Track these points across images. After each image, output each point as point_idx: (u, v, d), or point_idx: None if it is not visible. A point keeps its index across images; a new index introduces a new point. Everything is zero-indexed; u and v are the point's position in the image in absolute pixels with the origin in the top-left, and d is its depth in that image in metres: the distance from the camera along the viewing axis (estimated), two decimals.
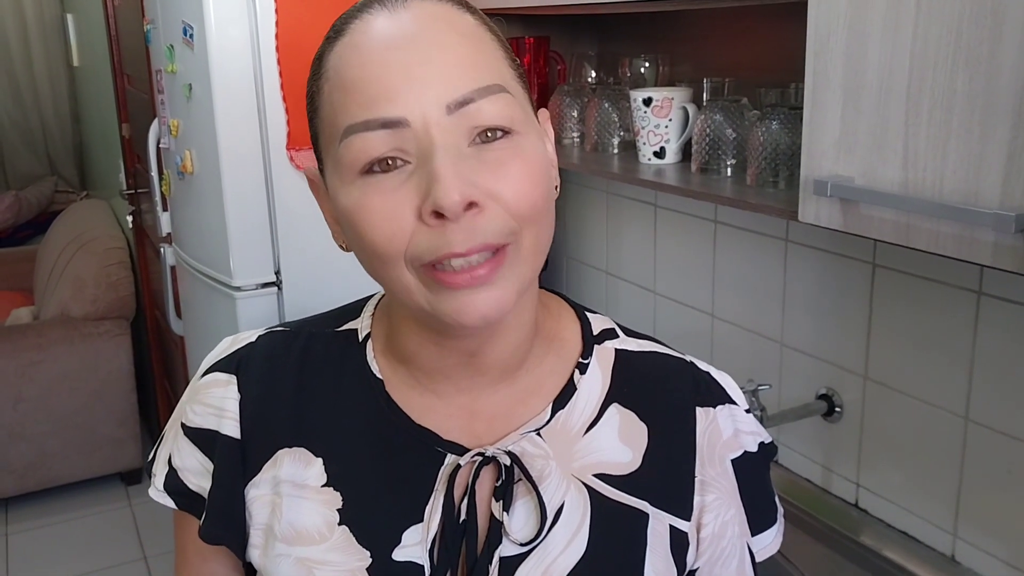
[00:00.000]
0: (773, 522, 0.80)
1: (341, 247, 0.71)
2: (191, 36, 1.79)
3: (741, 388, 1.37)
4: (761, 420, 1.38)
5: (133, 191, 3.25)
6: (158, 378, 3.44)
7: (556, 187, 0.72)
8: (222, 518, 0.75)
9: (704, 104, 1.41)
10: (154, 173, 2.30)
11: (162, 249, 2.39)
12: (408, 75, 0.62)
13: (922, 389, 1.29)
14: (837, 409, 1.42)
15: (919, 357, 1.29)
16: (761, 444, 0.79)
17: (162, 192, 2.29)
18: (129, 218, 3.35)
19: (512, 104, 0.64)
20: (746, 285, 1.58)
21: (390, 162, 0.62)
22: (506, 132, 0.64)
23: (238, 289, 1.85)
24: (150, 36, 2.12)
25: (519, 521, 0.71)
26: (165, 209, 2.30)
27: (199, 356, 2.31)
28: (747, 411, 0.80)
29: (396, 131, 0.62)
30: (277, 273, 1.87)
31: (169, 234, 2.32)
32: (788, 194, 1.22)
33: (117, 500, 3.23)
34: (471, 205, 0.61)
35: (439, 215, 0.60)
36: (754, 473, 0.78)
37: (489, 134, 0.63)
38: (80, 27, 4.51)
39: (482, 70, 0.64)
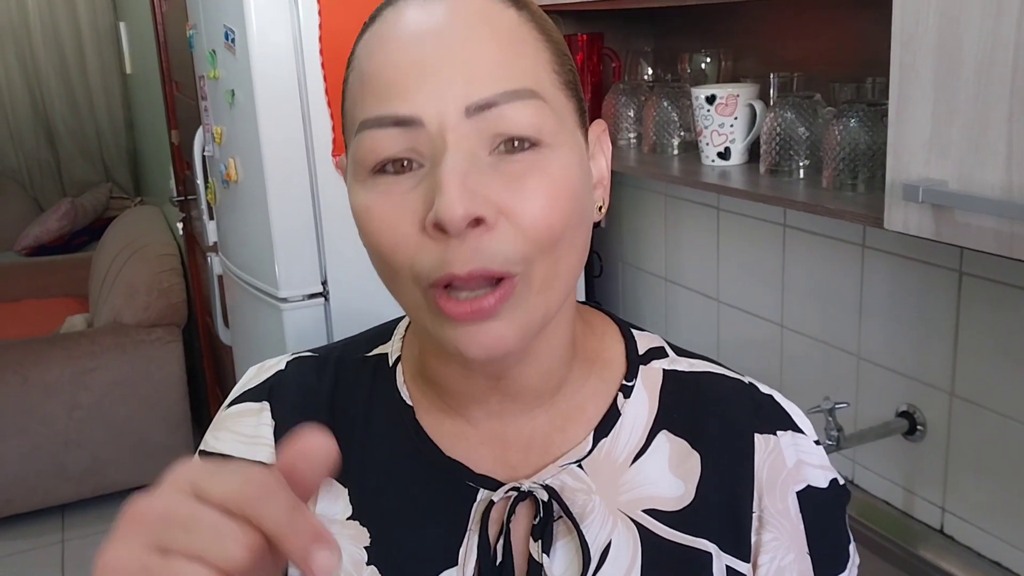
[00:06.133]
0: (842, 567, 0.70)
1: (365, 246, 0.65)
2: (233, 40, 1.75)
3: (816, 407, 1.29)
4: (837, 440, 1.29)
5: (183, 198, 3.25)
6: (210, 385, 3.44)
7: (600, 208, 0.65)
8: None
9: (772, 101, 1.32)
10: (200, 181, 2.27)
11: (209, 258, 2.37)
12: (426, 71, 0.56)
13: (1014, 407, 1.19)
14: (919, 428, 1.32)
15: (1011, 372, 1.18)
16: (833, 482, 0.71)
17: (208, 201, 2.26)
18: (179, 225, 3.35)
19: (543, 112, 0.57)
20: (819, 293, 1.48)
21: (404, 163, 0.56)
22: (533, 143, 0.56)
23: (284, 300, 1.81)
24: (193, 41, 2.09)
25: (561, 563, 0.64)
26: (211, 218, 2.27)
27: (247, 367, 2.28)
28: (816, 443, 0.71)
29: (410, 130, 0.56)
30: (324, 284, 1.82)
31: (216, 243, 2.29)
32: (868, 198, 1.13)
33: None
34: (478, 222, 0.54)
35: (442, 229, 0.54)
36: (823, 513, 0.69)
37: (514, 144, 0.56)
38: (132, 35, 4.55)
39: (512, 72, 0.57)
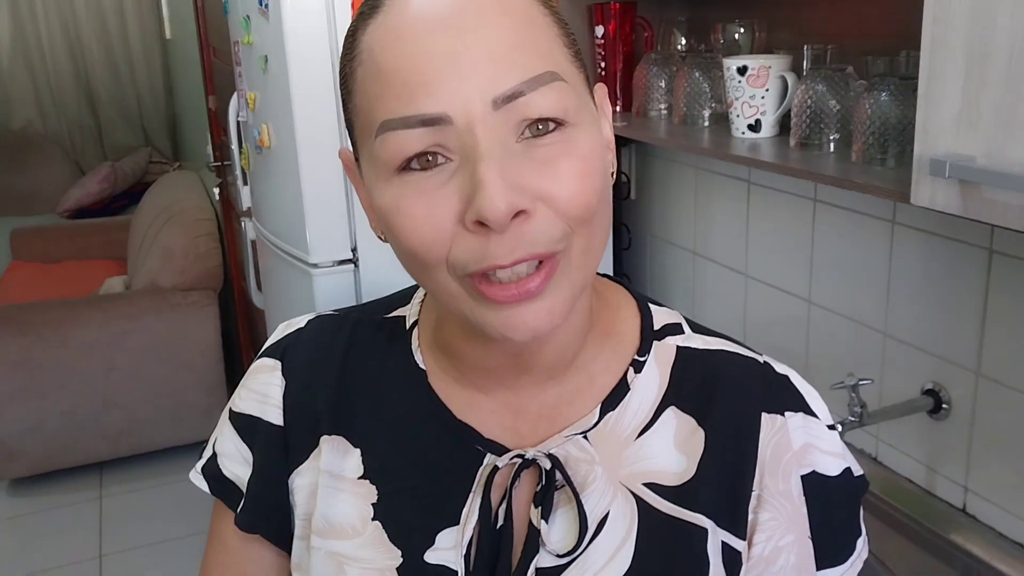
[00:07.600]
0: (842, 561, 0.70)
1: (379, 237, 0.66)
2: (266, 6, 1.75)
3: (840, 383, 1.29)
4: (860, 417, 1.29)
5: (220, 163, 3.28)
6: (244, 349, 3.49)
7: (612, 172, 0.65)
8: (260, 507, 0.73)
9: (804, 73, 1.30)
10: (234, 147, 2.29)
11: (243, 223, 2.39)
12: (449, 66, 0.55)
13: None
14: (944, 406, 1.31)
15: None
16: (847, 471, 0.70)
17: (242, 166, 2.28)
18: (216, 190, 3.39)
19: (566, 93, 0.57)
20: (847, 269, 1.47)
21: (430, 158, 0.56)
22: (559, 124, 0.57)
23: (315, 266, 1.83)
24: (228, 7, 2.10)
25: (559, 530, 0.66)
26: (245, 183, 2.30)
27: None
28: (831, 427, 0.70)
29: (437, 128, 0.55)
30: (354, 250, 1.84)
31: (249, 208, 2.32)
32: (898, 173, 1.11)
33: None
34: (519, 213, 0.55)
35: (483, 224, 0.55)
36: (829, 501, 0.69)
37: (540, 126, 0.56)
38: (172, 0, 4.57)
39: (532, 56, 0.57)
